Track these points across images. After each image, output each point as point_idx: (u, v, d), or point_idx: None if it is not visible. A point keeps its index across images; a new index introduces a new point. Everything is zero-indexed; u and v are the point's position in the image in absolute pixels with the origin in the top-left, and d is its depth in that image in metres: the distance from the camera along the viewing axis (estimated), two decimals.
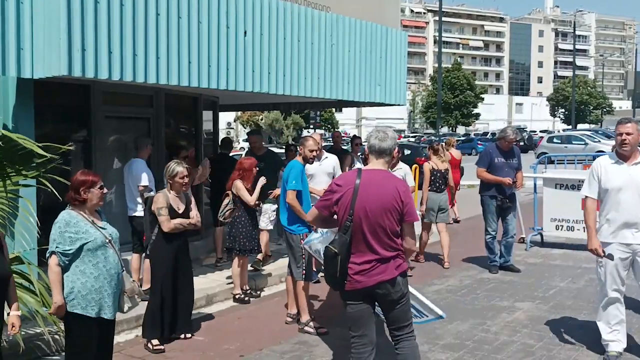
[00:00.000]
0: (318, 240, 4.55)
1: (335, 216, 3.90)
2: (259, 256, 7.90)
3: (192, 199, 5.84)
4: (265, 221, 8.27)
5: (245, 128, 59.02)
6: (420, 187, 9.58)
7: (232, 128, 60.45)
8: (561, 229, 9.59)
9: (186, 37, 6.44)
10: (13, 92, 5.76)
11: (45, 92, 6.31)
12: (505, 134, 8.01)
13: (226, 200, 6.93)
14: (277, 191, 7.65)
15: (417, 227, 6.95)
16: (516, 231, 8.45)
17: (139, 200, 6.72)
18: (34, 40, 5.59)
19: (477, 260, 8.82)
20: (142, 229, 6.31)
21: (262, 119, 53.91)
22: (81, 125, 7.47)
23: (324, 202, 3.89)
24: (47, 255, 3.94)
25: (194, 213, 5.71)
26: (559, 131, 47.26)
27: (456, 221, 12.44)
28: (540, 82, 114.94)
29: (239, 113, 53.43)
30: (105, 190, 4.12)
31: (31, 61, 5.60)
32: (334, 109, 54.75)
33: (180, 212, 5.59)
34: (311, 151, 5.96)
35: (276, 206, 7.91)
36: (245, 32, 7.14)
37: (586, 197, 5.04)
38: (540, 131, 47.87)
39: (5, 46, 5.43)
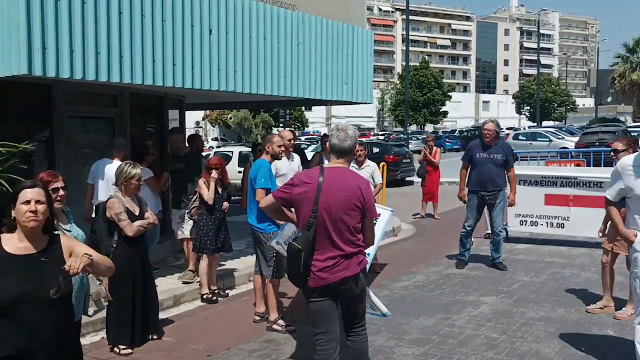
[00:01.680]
0: (284, 238, 4.59)
1: (292, 210, 3.98)
2: (190, 266, 7.45)
3: (143, 199, 5.75)
4: (187, 229, 7.55)
5: (214, 127, 58.64)
6: (387, 185, 9.67)
7: (201, 127, 59.95)
8: (525, 224, 9.79)
9: (150, 35, 6.38)
10: None
11: (4, 91, 6.18)
12: (483, 124, 8.12)
13: (193, 198, 6.91)
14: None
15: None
16: (502, 226, 8.34)
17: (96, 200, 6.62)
18: None
19: (445, 257, 8.95)
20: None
21: (230, 118, 53.62)
22: (43, 125, 7.33)
23: (283, 193, 3.94)
24: None
25: (149, 213, 5.62)
26: (524, 128, 48.10)
27: (428, 215, 12.76)
28: (506, 80, 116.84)
29: (208, 112, 53.04)
30: (61, 193, 4.05)
31: None
32: (303, 108, 54.83)
33: (137, 214, 5.48)
34: (279, 146, 5.99)
35: None
36: (210, 31, 7.11)
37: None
38: (507, 128, 48.63)
39: None
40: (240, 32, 7.51)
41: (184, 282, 7.27)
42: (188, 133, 9.70)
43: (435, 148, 13.10)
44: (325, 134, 11.41)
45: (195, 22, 6.90)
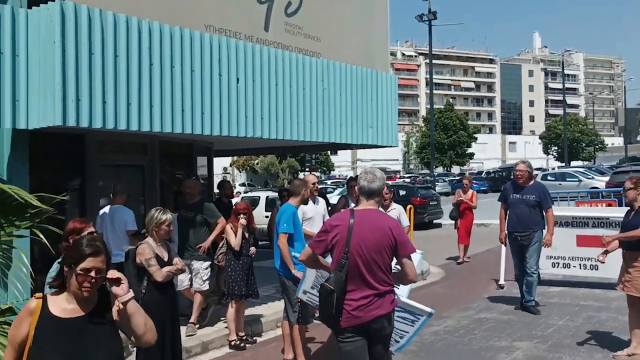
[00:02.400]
0: (308, 285, 4.61)
1: (328, 256, 3.98)
2: (192, 319, 7.17)
3: (171, 245, 5.79)
4: (199, 281, 7.28)
5: (241, 173, 59.28)
6: (415, 228, 9.59)
7: (229, 173, 60.65)
8: (557, 267, 9.58)
9: (179, 85, 6.56)
10: (8, 143, 5.83)
11: (40, 142, 6.38)
12: (515, 166, 8.12)
13: (220, 244, 6.95)
14: (206, 244, 7.29)
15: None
16: (535, 267, 8.08)
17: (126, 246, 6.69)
18: (29, 91, 5.69)
19: (475, 301, 8.77)
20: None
21: (257, 163, 54.21)
22: (76, 174, 7.52)
23: (319, 241, 3.96)
24: None
25: (177, 259, 5.65)
26: (552, 168, 47.54)
27: (459, 263, 12.40)
28: (532, 120, 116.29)
29: (235, 158, 53.73)
30: None
31: (26, 112, 5.68)
32: (329, 152, 55.17)
33: (166, 260, 5.51)
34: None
35: (209, 263, 7.35)
36: (237, 79, 7.28)
37: None
38: (535, 169, 48.21)
39: (0, 98, 5.52)
40: (266, 79, 7.68)
41: (188, 335, 6.91)
42: (216, 179, 9.82)
43: (471, 190, 12.66)
44: (351, 177, 11.39)
45: (223, 72, 7.08)
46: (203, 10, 7.18)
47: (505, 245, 8.26)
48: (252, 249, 6.98)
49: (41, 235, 5.07)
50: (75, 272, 2.55)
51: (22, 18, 5.67)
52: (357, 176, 11.11)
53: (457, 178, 47.94)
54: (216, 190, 9.46)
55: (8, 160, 5.83)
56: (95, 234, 4.16)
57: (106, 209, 7.03)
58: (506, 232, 8.13)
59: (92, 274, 2.55)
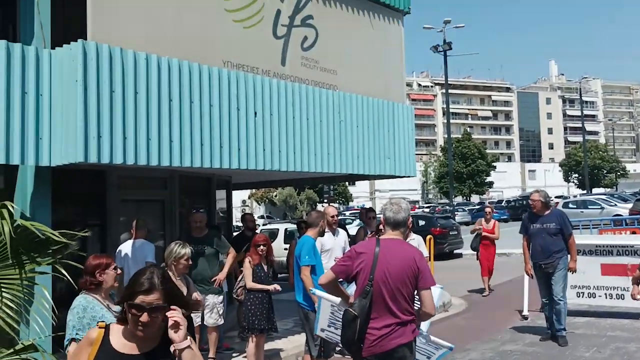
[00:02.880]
0: (324, 321, 4.59)
1: (351, 283, 4.05)
2: (211, 354, 7.11)
3: (190, 280, 5.77)
4: (214, 317, 7.20)
5: (259, 205, 59.45)
6: (435, 258, 9.50)
7: (247, 205, 60.87)
8: (582, 296, 9.37)
9: (198, 120, 6.65)
10: (31, 180, 5.93)
11: (62, 178, 6.48)
12: (530, 196, 8.07)
13: (239, 277, 6.93)
14: (221, 276, 7.25)
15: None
16: (563, 294, 7.85)
17: None
18: (52, 129, 5.81)
19: (498, 332, 8.60)
20: None
21: (276, 195, 54.38)
22: (97, 209, 7.61)
23: (343, 266, 4.01)
24: (66, 342, 3.91)
25: (196, 294, 5.62)
26: (574, 196, 46.97)
27: (484, 296, 12.04)
28: (552, 148, 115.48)
29: (253, 190, 53.98)
30: (119, 271, 4.17)
31: (49, 149, 5.80)
32: (346, 183, 55.21)
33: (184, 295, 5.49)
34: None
35: (222, 297, 7.34)
36: (255, 113, 7.37)
37: None
38: (556, 197, 47.57)
39: (24, 136, 5.64)
40: (284, 113, 7.76)
41: None
42: (235, 212, 9.86)
43: (493, 220, 12.22)
44: (367, 209, 11.24)
45: (241, 106, 7.18)
46: (221, 47, 7.31)
47: (532, 277, 8.15)
48: (277, 287, 6.85)
49: (64, 272, 5.11)
50: (128, 309, 2.37)
51: (46, 58, 5.83)
52: (370, 208, 11.03)
53: (477, 207, 47.54)
54: (236, 223, 9.47)
55: (31, 197, 5.92)
56: (117, 269, 4.18)
57: (128, 243, 7.09)
58: (531, 262, 8.03)
59: (144, 316, 2.33)
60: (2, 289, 4.92)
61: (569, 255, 7.86)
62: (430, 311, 3.90)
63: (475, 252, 12.42)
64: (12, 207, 4.72)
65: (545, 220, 7.81)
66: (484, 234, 12.07)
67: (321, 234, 6.11)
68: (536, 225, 7.85)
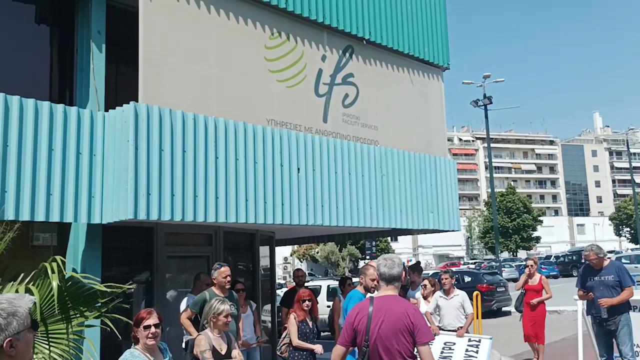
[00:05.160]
0: None
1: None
2: None
3: (232, 337, 5.71)
4: None
5: (301, 262, 59.25)
6: (483, 316, 9.18)
7: (289, 262, 60.74)
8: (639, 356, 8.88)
9: (243, 176, 6.80)
10: (83, 237, 6.12)
11: (111, 235, 6.66)
12: (584, 252, 7.83)
13: (284, 334, 6.86)
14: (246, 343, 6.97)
15: None
16: (632, 353, 7.38)
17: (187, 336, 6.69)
18: (103, 187, 6.03)
19: None
20: None
21: (317, 252, 54.15)
22: (144, 265, 7.75)
23: (345, 335, 4.03)
24: None
25: (236, 352, 5.53)
26: (627, 250, 45.23)
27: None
28: (600, 201, 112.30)
29: (295, 247, 53.94)
30: (153, 330, 4.19)
31: (100, 207, 6.00)
32: (389, 238, 54.69)
33: (223, 352, 5.39)
34: (372, 280, 5.94)
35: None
36: (298, 169, 7.49)
37: None
38: (607, 252, 45.94)
39: (78, 195, 5.87)
40: (326, 168, 7.86)
41: None
42: (278, 269, 9.85)
43: (538, 275, 10.21)
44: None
45: (284, 162, 7.31)
46: (265, 106, 7.54)
47: (582, 298, 7.76)
48: (319, 348, 6.67)
49: (111, 325, 5.20)
50: None
51: (100, 120, 6.12)
52: (417, 262, 10.72)
53: (524, 263, 46.22)
54: (281, 280, 9.44)
55: (82, 253, 6.10)
56: (155, 328, 4.22)
57: (189, 297, 7.11)
58: (590, 315, 7.68)
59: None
60: (51, 344, 5.02)
61: (630, 311, 7.53)
62: None
63: (520, 314, 10.54)
64: (63, 261, 4.87)
65: (604, 273, 7.53)
66: (524, 286, 10.21)
67: (368, 290, 6.03)
68: (594, 278, 7.59)
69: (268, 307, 10.92)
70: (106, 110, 6.30)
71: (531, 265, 10.14)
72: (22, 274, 5.09)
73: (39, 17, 6.83)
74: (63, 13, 6.86)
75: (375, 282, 6.03)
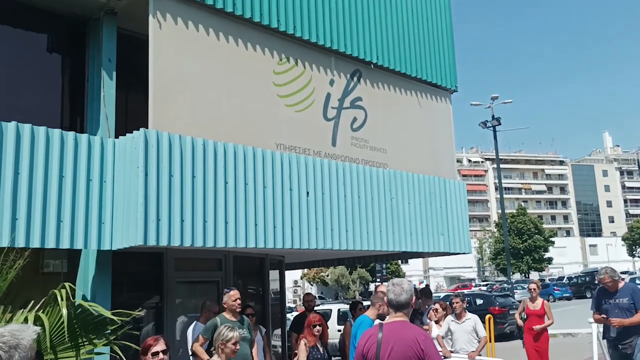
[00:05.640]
0: None
1: None
2: None
3: None
4: None
5: (311, 285, 58.93)
6: (496, 339, 9.03)
7: (299, 286, 60.42)
8: None
9: (252, 201, 6.81)
10: (93, 263, 6.13)
11: (121, 261, 6.66)
12: (598, 275, 7.73)
13: None
14: None
15: None
16: None
17: None
18: (113, 214, 6.05)
19: None
20: None
21: (328, 275, 53.86)
22: (154, 291, 7.73)
23: None
24: None
25: None
26: None
27: None
28: (612, 221, 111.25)
29: (305, 270, 53.72)
30: (160, 357, 4.19)
31: (110, 234, 6.02)
32: (399, 261, 54.37)
33: None
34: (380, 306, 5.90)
35: None
36: (307, 193, 7.49)
37: None
38: (621, 272, 45.33)
39: (88, 222, 5.89)
40: (335, 192, 7.86)
41: None
42: (288, 293, 9.80)
43: (540, 299, 9.67)
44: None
45: (294, 186, 7.32)
46: (274, 130, 7.57)
47: (598, 321, 7.63)
48: None
49: (120, 353, 5.17)
50: None
51: (110, 147, 6.17)
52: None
53: (527, 287, 45.59)
54: (291, 304, 9.38)
55: (93, 280, 6.10)
56: (163, 354, 4.21)
57: (196, 325, 7.06)
58: (606, 339, 7.55)
59: None
60: None
61: None
62: None
63: (522, 341, 9.89)
64: (72, 287, 4.87)
65: (619, 296, 7.44)
66: (523, 311, 9.77)
67: (381, 317, 5.96)
68: (609, 301, 7.49)
69: (278, 331, 10.83)
70: (116, 136, 6.35)
71: (534, 289, 9.66)
72: (33, 302, 5.09)
73: (51, 46, 6.94)
74: (74, 42, 6.97)
75: (385, 307, 5.98)
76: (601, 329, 7.76)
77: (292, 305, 33.90)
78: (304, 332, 6.90)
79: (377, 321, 6.92)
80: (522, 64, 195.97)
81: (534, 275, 64.52)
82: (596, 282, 7.91)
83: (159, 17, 6.44)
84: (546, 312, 9.45)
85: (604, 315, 7.36)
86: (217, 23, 7.05)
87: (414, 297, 4.12)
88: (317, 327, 6.73)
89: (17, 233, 5.42)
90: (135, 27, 6.96)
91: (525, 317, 9.71)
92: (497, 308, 19.29)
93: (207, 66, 6.93)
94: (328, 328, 8.53)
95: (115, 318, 5.25)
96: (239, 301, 6.28)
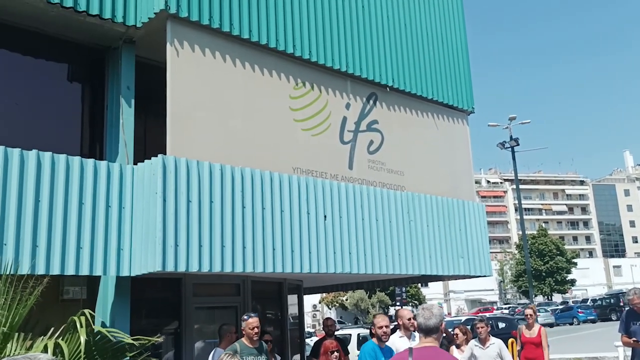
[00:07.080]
0: None
1: None
2: None
3: None
4: None
5: (330, 309, 58.47)
6: None
7: (318, 310, 59.97)
8: None
9: (270, 225, 6.80)
10: (112, 290, 6.14)
11: (139, 286, 6.67)
12: (627, 296, 7.54)
13: None
14: None
15: None
16: None
17: None
18: (132, 240, 6.08)
19: None
20: None
21: (347, 299, 53.43)
22: (172, 316, 7.71)
23: None
24: None
25: None
26: None
27: None
28: (636, 241, 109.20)
29: (324, 294, 53.36)
30: None
31: (129, 260, 6.04)
32: (419, 284, 53.81)
33: None
34: (380, 327, 5.83)
35: None
36: (325, 217, 7.47)
37: None
38: None
39: (107, 248, 5.92)
40: (353, 215, 7.82)
41: None
42: (307, 317, 9.72)
43: (537, 325, 8.72)
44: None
45: (311, 210, 7.30)
46: (291, 154, 7.59)
47: (627, 345, 7.43)
48: None
49: None
50: None
51: (129, 174, 6.22)
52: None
53: (561, 307, 44.77)
54: (310, 329, 9.28)
55: (112, 306, 6.10)
56: None
57: (216, 351, 7.01)
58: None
59: None
60: None
61: None
62: None
63: None
64: (91, 314, 4.87)
65: None
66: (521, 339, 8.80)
67: (379, 339, 5.89)
68: (637, 323, 7.31)
69: (297, 357, 10.72)
70: (135, 163, 6.41)
71: (530, 315, 8.73)
72: (52, 328, 5.11)
73: (71, 75, 7.07)
74: (94, 71, 7.09)
75: (384, 330, 5.92)
76: (629, 353, 7.56)
77: (312, 330, 33.63)
78: (321, 359, 6.82)
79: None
80: (539, 82, 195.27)
81: (557, 298, 63.39)
82: (622, 304, 7.72)
83: (176, 45, 6.53)
84: (542, 340, 8.50)
85: (635, 339, 7.17)
86: (233, 49, 7.13)
87: (443, 323, 4.05)
88: (335, 354, 6.65)
89: (37, 260, 5.46)
90: (153, 55, 7.07)
91: (521, 346, 8.78)
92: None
93: (224, 92, 7.00)
94: (349, 353, 8.43)
95: (135, 343, 5.25)
96: (256, 330, 6.12)
